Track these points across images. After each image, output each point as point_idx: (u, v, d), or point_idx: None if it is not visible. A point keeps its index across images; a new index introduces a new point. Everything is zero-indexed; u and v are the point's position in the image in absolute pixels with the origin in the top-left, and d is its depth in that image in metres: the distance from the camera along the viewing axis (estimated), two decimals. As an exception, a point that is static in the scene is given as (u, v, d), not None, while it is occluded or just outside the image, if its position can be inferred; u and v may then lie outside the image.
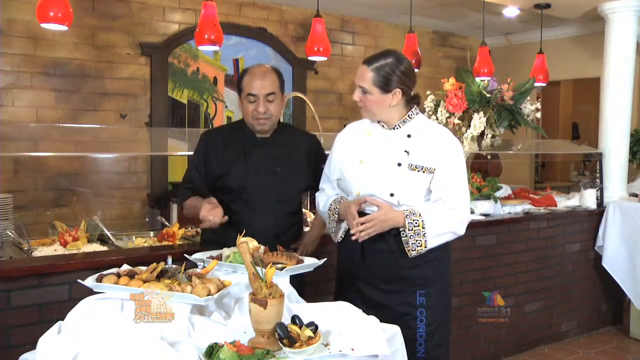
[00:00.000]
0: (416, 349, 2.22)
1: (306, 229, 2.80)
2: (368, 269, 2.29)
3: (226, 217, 2.27)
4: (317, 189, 2.55)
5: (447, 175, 2.22)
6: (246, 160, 2.43)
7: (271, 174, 2.43)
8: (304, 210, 3.41)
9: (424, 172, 2.21)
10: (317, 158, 2.59)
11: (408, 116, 2.28)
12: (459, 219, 2.23)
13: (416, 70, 4.58)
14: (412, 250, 2.18)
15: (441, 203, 2.21)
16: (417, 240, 2.16)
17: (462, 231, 2.25)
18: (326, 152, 2.54)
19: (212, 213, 2.24)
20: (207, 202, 2.28)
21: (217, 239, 2.39)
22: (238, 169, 2.42)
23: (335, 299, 2.31)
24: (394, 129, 2.28)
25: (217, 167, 2.45)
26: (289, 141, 2.53)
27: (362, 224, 2.16)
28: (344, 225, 2.34)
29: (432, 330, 2.27)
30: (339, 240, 2.38)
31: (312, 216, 3.09)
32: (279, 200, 2.45)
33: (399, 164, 2.22)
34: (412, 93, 2.28)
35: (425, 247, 2.17)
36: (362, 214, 2.21)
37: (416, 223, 2.15)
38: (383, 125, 2.30)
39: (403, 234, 2.18)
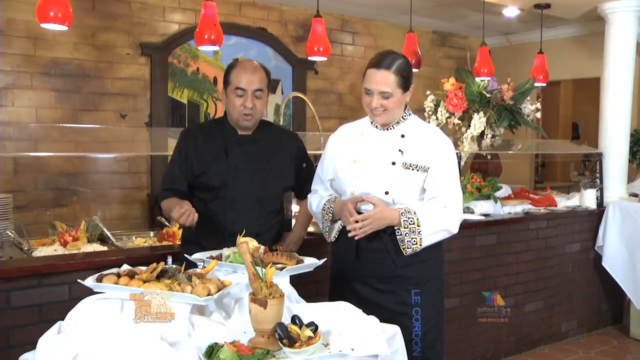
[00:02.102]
0: (412, 348, 2.23)
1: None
2: (363, 268, 2.29)
3: (196, 217, 2.20)
4: (298, 189, 2.55)
5: (440, 175, 2.24)
6: (227, 158, 2.41)
7: (252, 172, 2.41)
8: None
9: (418, 170, 2.22)
10: (299, 157, 2.57)
11: (402, 117, 2.30)
12: (453, 217, 2.25)
13: (416, 70, 4.62)
14: (408, 249, 2.19)
15: (435, 202, 2.23)
16: (412, 239, 2.18)
17: (455, 229, 2.27)
18: (311, 152, 2.53)
19: (182, 219, 2.17)
20: (179, 206, 2.20)
21: (197, 238, 2.38)
22: (218, 167, 2.40)
23: (330, 300, 2.31)
24: (387, 129, 2.30)
25: (197, 165, 2.41)
26: (271, 139, 2.51)
27: (358, 222, 2.16)
28: (337, 225, 2.34)
29: (428, 329, 2.28)
30: (332, 240, 2.38)
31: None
32: (259, 199, 2.42)
33: (393, 163, 2.23)
34: None
35: (421, 245, 2.19)
36: (357, 213, 2.22)
37: (411, 221, 2.16)
38: (377, 126, 2.31)
39: (398, 232, 2.19)
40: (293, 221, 2.92)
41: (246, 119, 2.39)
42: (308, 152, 2.67)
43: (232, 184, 2.39)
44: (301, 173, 2.54)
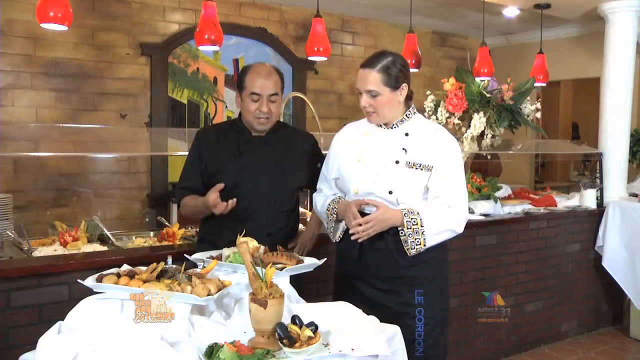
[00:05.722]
0: (414, 348, 2.22)
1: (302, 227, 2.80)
2: (366, 268, 2.29)
3: (234, 200, 2.26)
4: (314, 189, 2.55)
5: (444, 173, 2.23)
6: (240, 158, 2.43)
7: (265, 173, 2.42)
8: (303, 210, 3.41)
9: (421, 169, 2.21)
10: (313, 157, 2.58)
11: (406, 115, 2.29)
12: (457, 217, 2.23)
13: (416, 70, 4.61)
14: (412, 249, 2.18)
15: (439, 201, 2.22)
16: (416, 239, 2.16)
17: (460, 229, 2.26)
18: (325, 152, 2.54)
19: (219, 205, 2.24)
20: (212, 191, 2.27)
21: (212, 238, 2.40)
22: (231, 167, 2.41)
23: (334, 299, 2.31)
24: (391, 128, 2.29)
25: (211, 165, 2.44)
26: (285, 140, 2.52)
27: (361, 224, 2.16)
28: (342, 225, 2.34)
29: (430, 330, 2.27)
30: (337, 240, 2.38)
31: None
32: (273, 199, 2.44)
33: (397, 162, 2.22)
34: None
35: (424, 245, 2.18)
36: (361, 214, 2.21)
37: (414, 222, 2.15)
38: (381, 125, 2.31)
39: (401, 233, 2.18)
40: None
41: (261, 123, 2.41)
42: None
43: (245, 185, 2.40)
44: (316, 172, 2.54)
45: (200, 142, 2.50)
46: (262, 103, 2.36)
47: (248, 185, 2.40)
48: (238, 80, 2.45)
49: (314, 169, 2.55)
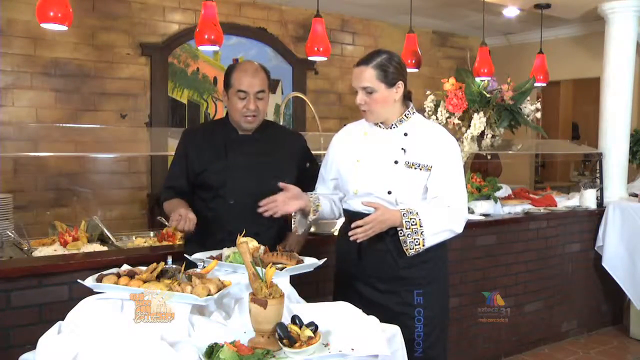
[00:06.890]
0: (414, 348, 2.22)
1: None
2: (365, 268, 2.29)
3: (193, 223, 2.26)
4: (302, 189, 2.55)
5: (443, 173, 2.22)
6: (226, 157, 2.42)
7: (251, 172, 2.42)
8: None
9: (420, 169, 2.21)
10: (302, 157, 2.58)
11: (405, 115, 2.29)
12: (457, 216, 2.23)
13: (416, 70, 4.61)
14: (411, 249, 2.17)
15: (438, 201, 2.22)
16: (415, 239, 2.16)
17: (460, 229, 2.25)
18: (316, 152, 2.54)
19: (180, 225, 2.25)
20: (175, 212, 2.28)
21: (199, 238, 2.38)
22: (218, 166, 2.41)
23: (334, 299, 2.31)
24: (390, 128, 2.29)
25: (197, 164, 2.43)
26: (272, 139, 2.51)
27: (359, 226, 2.15)
28: (305, 221, 2.33)
29: (430, 330, 2.27)
30: (299, 234, 2.38)
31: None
32: (259, 198, 2.43)
33: (396, 162, 2.22)
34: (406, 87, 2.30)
35: (424, 245, 2.17)
36: (360, 215, 2.21)
37: (413, 222, 2.15)
38: (380, 125, 2.31)
39: (401, 233, 2.17)
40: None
41: (249, 121, 2.40)
42: (308, 152, 2.67)
43: (231, 183, 2.40)
44: (305, 172, 2.54)
45: (187, 141, 2.50)
46: (249, 101, 2.36)
47: (234, 184, 2.39)
48: (224, 78, 2.44)
49: (303, 169, 2.55)
